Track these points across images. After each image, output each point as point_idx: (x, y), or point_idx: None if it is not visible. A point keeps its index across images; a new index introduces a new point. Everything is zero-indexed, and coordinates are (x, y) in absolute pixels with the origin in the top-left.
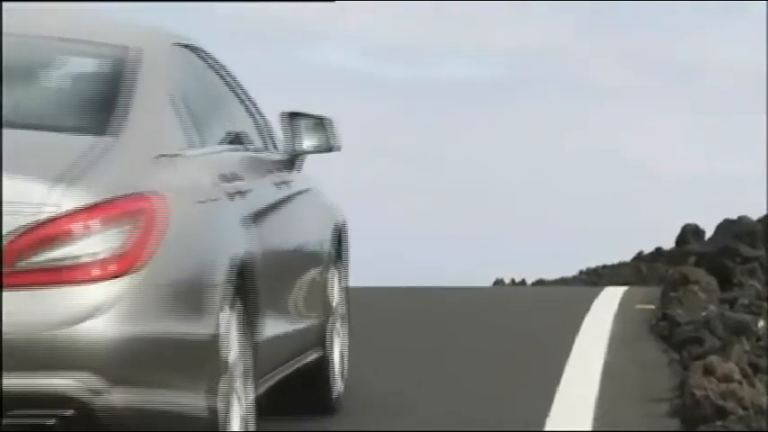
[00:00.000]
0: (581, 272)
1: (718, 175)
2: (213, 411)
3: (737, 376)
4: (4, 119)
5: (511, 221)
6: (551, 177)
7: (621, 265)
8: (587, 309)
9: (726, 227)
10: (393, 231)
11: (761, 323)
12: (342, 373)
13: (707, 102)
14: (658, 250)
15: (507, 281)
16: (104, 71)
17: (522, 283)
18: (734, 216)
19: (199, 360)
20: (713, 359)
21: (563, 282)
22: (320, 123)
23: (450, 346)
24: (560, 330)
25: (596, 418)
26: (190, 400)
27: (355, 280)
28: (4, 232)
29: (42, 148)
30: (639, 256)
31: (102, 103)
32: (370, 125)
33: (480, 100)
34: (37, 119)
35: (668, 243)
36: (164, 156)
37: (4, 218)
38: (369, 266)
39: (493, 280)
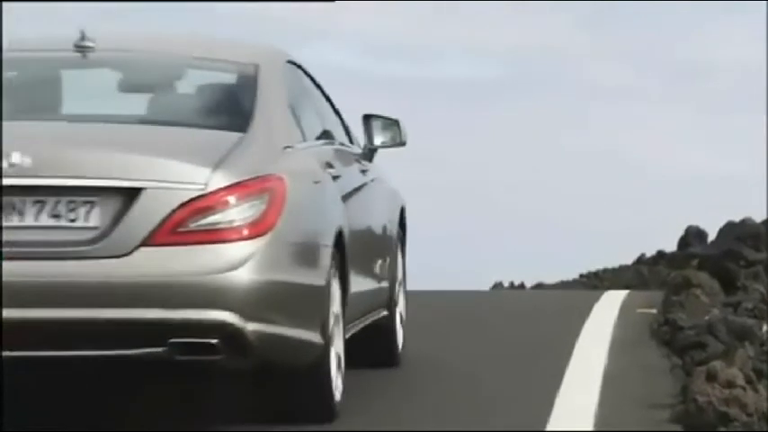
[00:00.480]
0: (581, 275)
1: (720, 175)
2: (322, 345)
3: (741, 382)
4: (172, 120)
5: (510, 222)
6: (551, 178)
7: (622, 269)
8: (587, 313)
9: (729, 229)
10: None
11: (765, 328)
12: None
13: (709, 101)
14: (660, 253)
15: (506, 284)
16: (239, 83)
17: (522, 286)
18: (737, 218)
19: (313, 303)
20: (716, 364)
21: (563, 285)
22: (391, 123)
23: (446, 353)
24: (560, 335)
25: (596, 425)
26: (306, 335)
27: None
28: (173, 205)
29: (199, 142)
30: (641, 260)
31: (240, 108)
32: None
33: (480, 99)
34: (194, 119)
35: (670, 246)
36: (285, 147)
37: (173, 193)
38: None
39: (491, 283)
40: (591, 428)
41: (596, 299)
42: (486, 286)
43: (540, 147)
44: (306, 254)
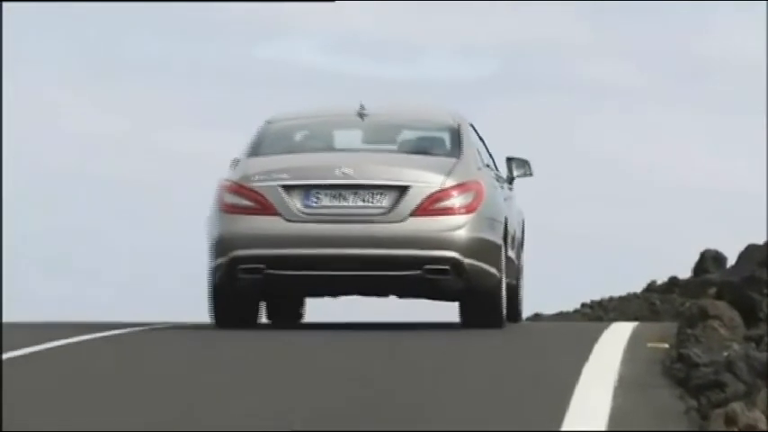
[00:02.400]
0: (583, 305)
1: (742, 189)
2: (499, 277)
3: (764, 426)
4: (416, 151)
5: None
6: (548, 188)
7: (630, 297)
8: (590, 348)
9: (751, 253)
10: None
11: None
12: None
13: (724, 103)
14: (673, 280)
15: None
16: (451, 133)
17: None
18: (760, 239)
19: (496, 252)
20: (736, 407)
21: (562, 317)
22: (524, 162)
23: (426, 402)
24: (559, 373)
25: None
26: (492, 269)
27: (320, 315)
28: (425, 195)
29: (436, 162)
30: (651, 287)
31: (454, 146)
32: None
33: (469, 100)
34: (429, 151)
35: (685, 271)
36: (478, 168)
37: (425, 189)
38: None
39: None
40: None
41: (600, 331)
42: None
43: (536, 152)
44: (493, 225)
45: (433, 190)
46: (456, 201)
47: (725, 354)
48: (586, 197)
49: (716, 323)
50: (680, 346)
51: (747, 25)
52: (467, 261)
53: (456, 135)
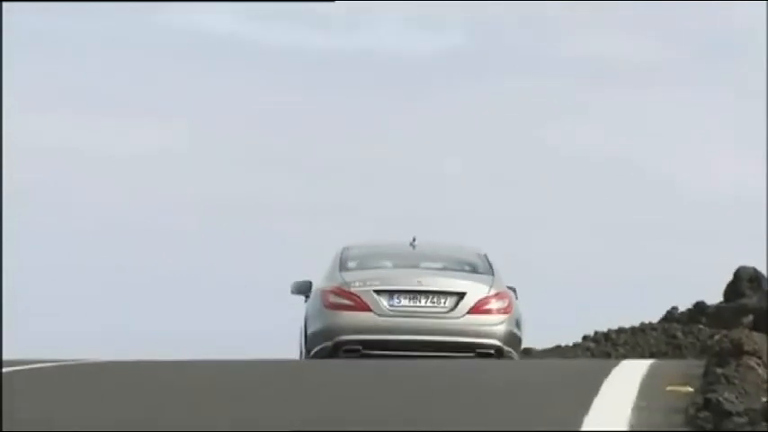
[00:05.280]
0: (585, 337)
1: None
2: (519, 359)
3: None
4: (464, 269)
5: None
6: (535, 194)
7: (645, 329)
8: (595, 391)
9: None
10: None
11: None
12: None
13: (752, 86)
14: (699, 306)
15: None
16: (481, 260)
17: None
18: None
19: (519, 343)
20: None
21: (559, 351)
22: (512, 289)
23: None
24: (557, 423)
25: None
26: (516, 354)
27: None
28: (476, 300)
29: (478, 277)
30: (671, 315)
31: (487, 267)
32: (285, 110)
33: (427, 81)
34: (469, 269)
35: (714, 295)
36: (501, 284)
37: (476, 295)
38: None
39: None
40: None
41: (608, 371)
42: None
43: (517, 148)
44: (518, 323)
45: (481, 296)
46: (496, 305)
47: (763, 399)
48: (588, 210)
49: (752, 360)
50: (707, 390)
51: None
52: (505, 348)
53: (486, 261)
